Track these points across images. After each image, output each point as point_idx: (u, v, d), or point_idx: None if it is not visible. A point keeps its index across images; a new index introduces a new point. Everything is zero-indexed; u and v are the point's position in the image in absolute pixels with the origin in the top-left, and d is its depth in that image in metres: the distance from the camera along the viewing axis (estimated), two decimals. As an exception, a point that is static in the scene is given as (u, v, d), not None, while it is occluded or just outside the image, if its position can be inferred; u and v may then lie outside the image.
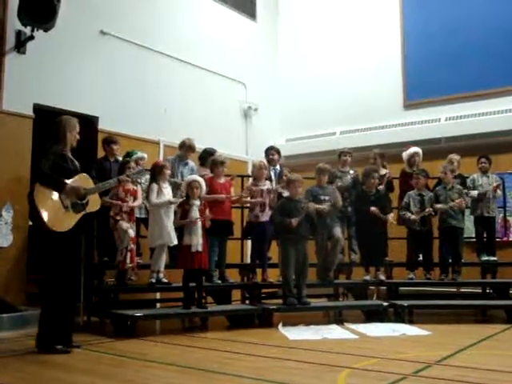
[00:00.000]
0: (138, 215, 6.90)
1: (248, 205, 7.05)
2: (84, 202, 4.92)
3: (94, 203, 5.08)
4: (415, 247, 7.39)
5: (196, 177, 6.40)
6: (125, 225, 6.24)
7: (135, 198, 6.47)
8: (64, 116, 5.17)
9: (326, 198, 6.99)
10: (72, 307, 5.06)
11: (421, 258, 7.50)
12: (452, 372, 3.93)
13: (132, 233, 6.27)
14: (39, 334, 4.78)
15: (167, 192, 6.47)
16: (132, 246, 6.27)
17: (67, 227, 4.80)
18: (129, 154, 7.18)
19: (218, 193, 6.72)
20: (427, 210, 7.21)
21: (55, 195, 4.77)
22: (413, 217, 7.24)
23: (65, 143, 4.99)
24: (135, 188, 6.52)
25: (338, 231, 7.05)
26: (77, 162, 5.07)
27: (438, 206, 7.25)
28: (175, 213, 6.41)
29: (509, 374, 3.89)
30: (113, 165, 7.04)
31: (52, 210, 4.72)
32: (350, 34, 10.97)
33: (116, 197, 6.34)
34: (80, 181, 4.95)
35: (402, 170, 7.99)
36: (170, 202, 6.34)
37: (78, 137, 5.12)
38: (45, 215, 4.66)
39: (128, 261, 6.20)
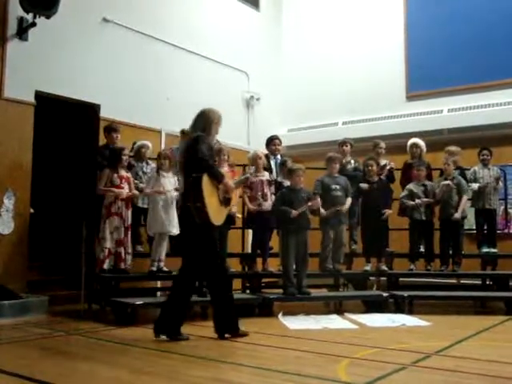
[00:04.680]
0: (140, 205, 6.91)
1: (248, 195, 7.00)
2: (229, 196, 5.00)
3: (234, 199, 5.21)
4: (417, 238, 7.40)
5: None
6: (108, 231, 6.24)
7: (129, 184, 6.51)
8: (210, 108, 5.13)
9: (338, 187, 6.98)
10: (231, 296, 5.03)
11: (422, 249, 7.52)
12: (451, 362, 3.94)
13: (108, 244, 6.24)
14: (224, 320, 4.84)
15: (168, 181, 6.47)
16: (117, 249, 6.27)
17: (222, 221, 4.92)
18: (134, 144, 7.21)
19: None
20: (426, 199, 7.24)
21: (215, 188, 4.81)
22: (411, 202, 7.25)
23: (211, 134, 4.98)
24: (128, 175, 6.56)
25: (343, 234, 7.10)
26: None
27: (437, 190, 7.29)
28: (177, 202, 6.42)
29: (508, 364, 3.91)
30: (113, 153, 7.03)
31: (213, 202, 4.76)
32: (353, 24, 10.93)
33: (111, 184, 6.35)
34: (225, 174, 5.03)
35: (405, 162, 7.99)
36: (159, 192, 6.34)
37: (219, 131, 5.12)
38: (209, 207, 4.66)
39: (106, 262, 6.20)
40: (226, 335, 4.83)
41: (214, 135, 5.07)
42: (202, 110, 5.05)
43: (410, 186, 7.42)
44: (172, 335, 4.75)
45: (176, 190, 6.42)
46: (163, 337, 4.76)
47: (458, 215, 7.24)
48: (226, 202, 4.95)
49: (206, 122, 4.97)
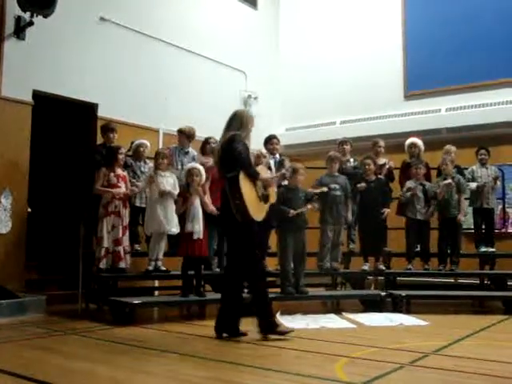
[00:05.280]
0: (138, 204, 6.91)
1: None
2: (268, 193, 5.04)
3: (272, 195, 5.22)
4: (415, 238, 7.40)
5: (195, 164, 6.40)
6: (105, 230, 6.23)
7: (125, 183, 6.50)
8: (243, 109, 5.21)
9: (337, 186, 6.98)
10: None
11: (418, 248, 7.52)
12: (449, 362, 3.95)
13: (106, 243, 6.22)
14: (265, 319, 4.83)
15: (166, 181, 6.46)
16: (115, 248, 6.24)
17: (262, 217, 4.95)
18: (132, 144, 7.19)
19: (219, 182, 6.70)
20: (432, 208, 7.31)
21: (252, 184, 4.84)
22: (408, 194, 7.26)
23: (246, 134, 5.04)
24: (124, 174, 6.56)
25: (341, 234, 7.15)
26: None
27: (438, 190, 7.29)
28: (176, 201, 6.41)
29: (505, 364, 3.92)
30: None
31: (252, 199, 4.80)
32: (351, 23, 10.92)
33: (108, 183, 6.34)
34: (261, 171, 5.07)
35: (403, 161, 8.00)
36: (152, 181, 6.33)
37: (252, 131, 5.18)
38: (249, 204, 4.70)
39: (103, 262, 6.18)
40: (224, 334, 4.83)
41: (249, 135, 5.11)
42: (237, 111, 5.14)
43: (409, 183, 7.42)
44: (233, 334, 4.84)
45: (163, 193, 6.39)
46: (225, 335, 4.84)
47: (461, 217, 7.28)
48: (264, 198, 4.99)
49: (241, 122, 5.03)
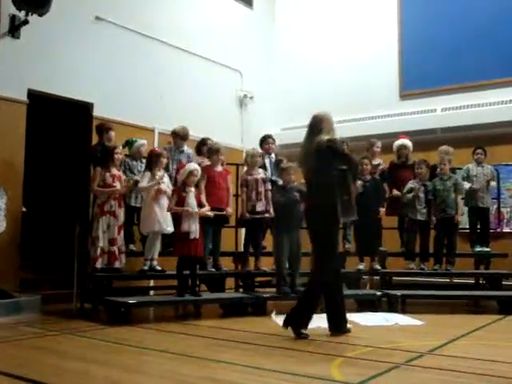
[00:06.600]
0: (133, 204, 6.90)
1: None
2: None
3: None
4: (415, 237, 7.41)
5: (195, 165, 6.39)
6: (100, 230, 6.21)
7: (120, 183, 6.49)
8: (325, 111, 5.19)
9: None
10: None
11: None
12: (444, 361, 3.96)
13: (101, 243, 6.21)
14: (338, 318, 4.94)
15: (163, 180, 6.46)
16: (111, 248, 6.24)
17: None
18: (128, 142, 7.16)
19: (215, 181, 6.73)
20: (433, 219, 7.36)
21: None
22: (409, 195, 7.27)
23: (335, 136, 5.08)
24: (119, 174, 6.56)
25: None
26: None
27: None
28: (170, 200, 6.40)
29: (500, 363, 3.93)
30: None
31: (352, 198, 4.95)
32: (347, 23, 10.92)
33: (103, 183, 6.33)
34: None
35: (391, 162, 8.00)
36: (158, 183, 6.32)
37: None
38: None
39: (99, 262, 6.17)
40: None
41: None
42: (321, 115, 5.10)
43: (411, 184, 7.42)
44: (297, 330, 4.85)
45: (160, 192, 6.36)
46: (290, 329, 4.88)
47: (459, 217, 7.30)
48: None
49: (330, 126, 5.07)
